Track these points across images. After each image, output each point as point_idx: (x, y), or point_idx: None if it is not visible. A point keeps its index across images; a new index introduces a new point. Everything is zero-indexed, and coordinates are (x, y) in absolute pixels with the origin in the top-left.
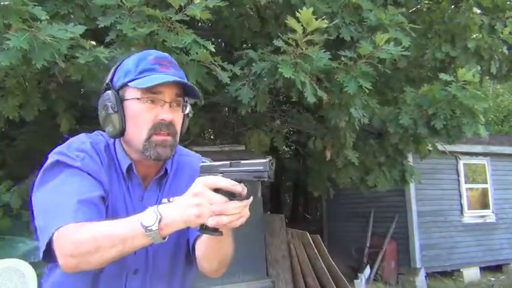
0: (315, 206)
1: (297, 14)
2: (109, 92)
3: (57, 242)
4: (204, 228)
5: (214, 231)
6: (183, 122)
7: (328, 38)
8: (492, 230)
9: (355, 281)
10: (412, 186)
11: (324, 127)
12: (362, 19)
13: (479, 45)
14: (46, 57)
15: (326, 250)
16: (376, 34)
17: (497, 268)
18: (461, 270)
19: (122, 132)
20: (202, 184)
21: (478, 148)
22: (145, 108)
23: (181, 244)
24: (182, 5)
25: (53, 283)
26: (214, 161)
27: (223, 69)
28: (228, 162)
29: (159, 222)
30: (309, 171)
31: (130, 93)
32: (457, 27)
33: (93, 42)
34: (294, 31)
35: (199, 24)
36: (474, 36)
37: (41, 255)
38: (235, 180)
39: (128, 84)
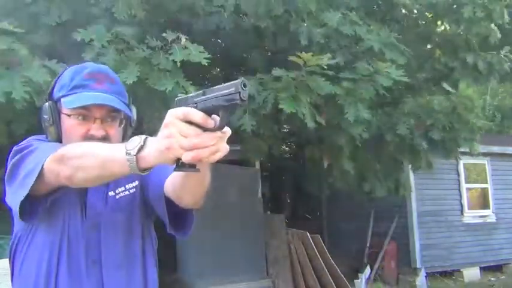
0: (315, 206)
1: (298, 54)
2: (46, 104)
3: (48, 161)
4: (179, 166)
5: (191, 167)
6: (125, 133)
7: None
8: (492, 230)
9: (355, 281)
10: (412, 186)
11: (321, 138)
12: (358, 40)
13: (478, 60)
14: (26, 95)
15: (326, 250)
16: (373, 56)
17: (497, 268)
18: (461, 270)
19: (60, 142)
20: (172, 115)
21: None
22: (76, 124)
23: (135, 225)
24: (169, 40)
25: (20, 271)
26: None
27: None
28: (201, 91)
29: (139, 150)
30: (307, 173)
31: (63, 108)
32: (457, 40)
33: None
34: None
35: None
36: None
37: (18, 208)
38: (208, 107)
39: (61, 99)
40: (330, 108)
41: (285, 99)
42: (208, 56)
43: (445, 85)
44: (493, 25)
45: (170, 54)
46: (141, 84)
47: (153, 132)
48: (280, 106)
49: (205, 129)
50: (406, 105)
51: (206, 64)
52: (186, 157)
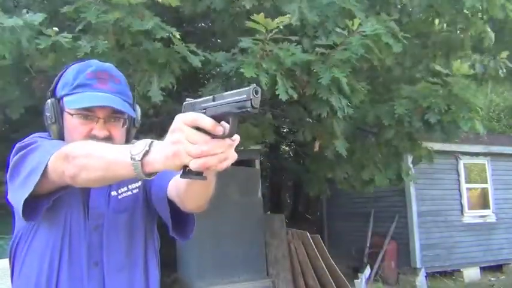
0: (315, 206)
1: (253, 18)
2: (49, 101)
3: (53, 159)
4: (186, 172)
5: (198, 175)
6: (128, 133)
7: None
8: (492, 230)
9: (355, 281)
10: (412, 186)
11: (311, 117)
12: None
13: (475, 64)
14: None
15: (326, 250)
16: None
17: (497, 268)
18: (461, 270)
19: (62, 140)
20: (180, 121)
21: (478, 148)
22: (78, 123)
23: (137, 226)
24: None
25: (20, 271)
26: None
27: (195, 53)
28: (211, 97)
29: (144, 155)
30: (307, 171)
31: (66, 107)
32: (454, 42)
33: (56, 29)
34: (258, 32)
35: (185, 24)
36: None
37: (21, 207)
38: (218, 113)
39: (63, 97)
40: (311, 82)
41: (246, 65)
42: None
43: (439, 67)
44: (488, 28)
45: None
46: (120, 27)
47: (143, 97)
48: (241, 70)
49: (213, 136)
50: (404, 90)
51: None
52: (194, 165)
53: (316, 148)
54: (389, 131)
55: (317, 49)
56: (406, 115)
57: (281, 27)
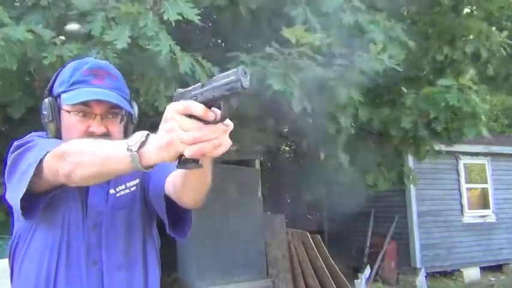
0: (315, 206)
1: (289, 29)
2: (46, 100)
3: (48, 157)
4: (182, 162)
5: (193, 162)
6: (126, 129)
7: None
8: (492, 230)
9: (355, 281)
10: (412, 186)
11: (316, 127)
12: (359, 31)
13: (478, 47)
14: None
15: (326, 250)
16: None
17: (497, 268)
18: (461, 270)
19: (60, 139)
20: (172, 109)
21: (478, 148)
22: (76, 120)
23: (136, 224)
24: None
25: (19, 271)
26: None
27: (201, 66)
28: (199, 84)
29: (140, 146)
30: (306, 172)
31: (63, 105)
32: (457, 28)
33: (63, 37)
34: (287, 41)
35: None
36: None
37: (18, 204)
38: (209, 99)
39: (61, 95)
40: (324, 94)
41: (275, 75)
42: (198, 11)
43: (442, 80)
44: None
45: (163, 12)
46: (134, 48)
47: (150, 106)
48: (269, 82)
49: (206, 122)
50: (408, 97)
51: (198, 22)
52: (189, 152)
53: (322, 157)
54: (396, 138)
55: (334, 67)
56: (412, 127)
57: (317, 42)
